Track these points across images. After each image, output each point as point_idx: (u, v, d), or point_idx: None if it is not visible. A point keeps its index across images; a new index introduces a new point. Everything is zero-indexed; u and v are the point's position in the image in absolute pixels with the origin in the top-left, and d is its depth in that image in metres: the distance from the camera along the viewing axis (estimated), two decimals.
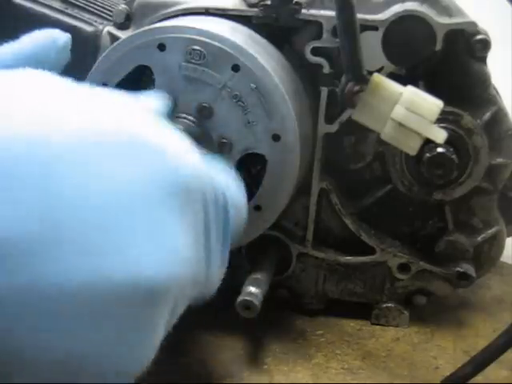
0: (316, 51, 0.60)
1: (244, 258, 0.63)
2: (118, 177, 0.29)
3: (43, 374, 0.27)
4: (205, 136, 0.53)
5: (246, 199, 0.42)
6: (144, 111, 0.35)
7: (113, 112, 0.32)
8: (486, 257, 0.65)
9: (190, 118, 0.53)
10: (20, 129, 0.28)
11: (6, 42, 0.45)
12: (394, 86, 0.51)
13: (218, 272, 0.39)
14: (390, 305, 0.65)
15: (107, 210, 0.28)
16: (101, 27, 0.65)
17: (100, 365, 0.29)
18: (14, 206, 0.26)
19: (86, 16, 0.68)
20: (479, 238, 0.65)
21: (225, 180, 0.39)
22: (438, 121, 0.53)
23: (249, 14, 0.59)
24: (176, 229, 0.32)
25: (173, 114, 0.52)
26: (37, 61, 0.46)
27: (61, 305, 0.27)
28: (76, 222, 0.27)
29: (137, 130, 0.32)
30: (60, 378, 0.28)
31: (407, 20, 0.59)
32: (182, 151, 0.34)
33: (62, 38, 0.50)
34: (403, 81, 0.51)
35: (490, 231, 0.65)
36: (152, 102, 0.46)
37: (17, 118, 0.28)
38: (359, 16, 0.51)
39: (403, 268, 0.64)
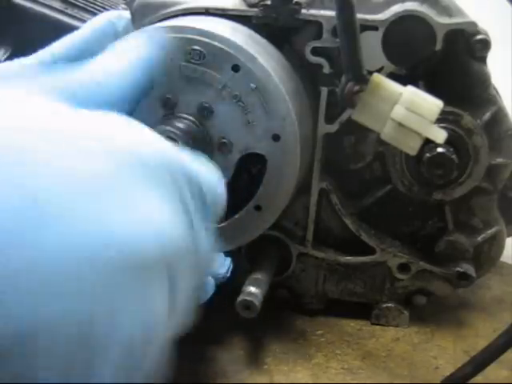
0: (316, 51, 0.60)
1: (244, 258, 0.63)
2: (77, 164, 0.31)
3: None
4: (205, 136, 0.53)
5: (224, 186, 0.42)
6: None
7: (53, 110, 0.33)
8: (485, 257, 0.65)
9: (190, 118, 0.53)
10: None
11: (6, 41, 0.46)
12: (393, 86, 0.51)
13: (208, 252, 0.39)
14: (390, 305, 0.65)
15: (75, 192, 0.30)
16: None
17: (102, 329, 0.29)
18: None
19: (86, 16, 0.68)
20: (479, 238, 0.65)
21: (198, 166, 0.40)
22: (438, 121, 0.53)
23: (249, 14, 0.59)
24: (148, 201, 0.33)
25: (173, 114, 0.53)
26: (97, 45, 0.50)
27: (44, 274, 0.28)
28: (48, 209, 0.28)
29: (85, 123, 0.33)
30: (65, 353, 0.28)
31: (407, 20, 0.59)
32: (149, 139, 0.35)
33: (122, 20, 0.54)
34: (403, 81, 0.51)
35: (490, 231, 0.65)
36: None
37: None
38: (359, 16, 0.51)
39: (403, 268, 0.64)
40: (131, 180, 0.33)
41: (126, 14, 0.59)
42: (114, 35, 0.56)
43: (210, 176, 0.41)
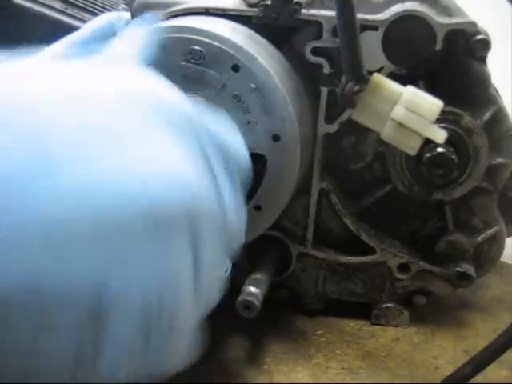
0: (316, 51, 0.60)
1: (244, 258, 0.63)
2: (93, 115, 0.31)
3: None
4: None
5: (246, 150, 0.42)
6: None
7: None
8: (486, 257, 0.65)
9: None
10: None
11: (6, 41, 0.46)
12: (393, 86, 0.51)
13: (235, 211, 0.38)
14: (390, 305, 0.65)
15: (89, 140, 0.29)
16: None
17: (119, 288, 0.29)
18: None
19: (86, 16, 0.68)
20: (479, 238, 0.65)
21: (221, 127, 0.40)
22: (438, 121, 0.53)
23: (249, 14, 0.59)
24: (171, 151, 0.32)
25: None
26: (97, 46, 0.50)
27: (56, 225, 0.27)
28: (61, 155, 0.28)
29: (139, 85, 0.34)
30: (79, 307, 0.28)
31: (407, 20, 0.59)
32: (173, 95, 0.35)
33: (122, 21, 0.54)
34: (403, 81, 0.51)
35: (490, 231, 0.65)
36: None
37: None
38: (359, 16, 0.51)
39: (403, 268, 0.64)
40: (151, 129, 0.32)
41: (126, 15, 0.59)
42: (112, 36, 0.56)
43: (234, 139, 0.40)
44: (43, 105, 0.29)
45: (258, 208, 0.55)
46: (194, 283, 0.33)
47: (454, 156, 0.60)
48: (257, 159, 0.54)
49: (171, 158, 0.32)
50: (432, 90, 0.53)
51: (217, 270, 0.36)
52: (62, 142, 0.28)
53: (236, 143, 0.41)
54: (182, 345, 0.33)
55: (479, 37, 0.59)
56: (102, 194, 0.28)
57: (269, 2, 0.58)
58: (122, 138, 0.30)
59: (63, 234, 0.27)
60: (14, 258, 0.26)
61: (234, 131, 0.42)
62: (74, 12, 0.70)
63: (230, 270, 0.54)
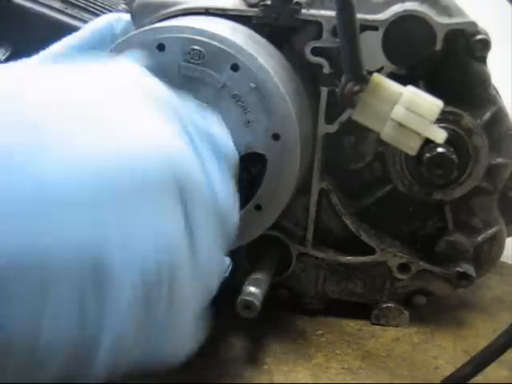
0: (316, 51, 0.60)
1: (244, 258, 0.63)
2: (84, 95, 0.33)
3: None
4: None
5: (237, 201, 0.42)
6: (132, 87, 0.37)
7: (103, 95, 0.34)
8: (485, 257, 0.65)
9: None
10: None
11: (6, 41, 0.46)
12: (393, 86, 0.51)
13: (226, 198, 0.40)
14: (390, 305, 0.65)
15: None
16: None
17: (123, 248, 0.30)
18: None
19: (86, 16, 0.69)
20: (479, 238, 0.65)
21: (204, 115, 0.41)
22: (438, 121, 0.53)
23: (249, 13, 0.59)
24: (154, 123, 0.35)
25: None
26: (96, 47, 0.54)
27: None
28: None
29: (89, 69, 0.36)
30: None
31: (407, 20, 0.59)
32: (171, 143, 0.35)
33: (121, 22, 0.55)
34: (403, 81, 0.51)
35: (490, 231, 0.65)
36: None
37: None
38: (359, 16, 0.51)
39: (403, 268, 0.64)
40: (135, 103, 0.34)
41: (126, 17, 0.59)
42: (112, 37, 0.56)
43: (219, 130, 0.41)
44: (37, 98, 0.31)
45: (258, 208, 0.55)
46: (190, 254, 0.34)
47: (453, 156, 0.60)
48: (257, 159, 0.54)
49: (158, 131, 0.34)
50: (432, 90, 0.53)
51: (213, 253, 0.36)
52: (56, 121, 0.30)
53: (222, 134, 0.42)
54: (184, 329, 0.34)
55: (479, 37, 0.59)
56: (96, 162, 0.30)
57: (269, 2, 0.58)
58: (112, 116, 0.32)
59: (63, 198, 0.28)
60: (14, 224, 0.27)
61: (220, 124, 0.43)
62: (74, 12, 0.70)
63: (229, 269, 0.55)
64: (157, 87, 0.37)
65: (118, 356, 0.31)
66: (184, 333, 0.34)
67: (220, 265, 0.39)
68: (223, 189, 0.39)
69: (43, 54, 0.56)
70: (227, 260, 0.55)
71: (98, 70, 0.36)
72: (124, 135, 0.31)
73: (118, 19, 0.59)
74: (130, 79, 0.36)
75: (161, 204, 0.32)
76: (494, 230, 0.65)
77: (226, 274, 0.54)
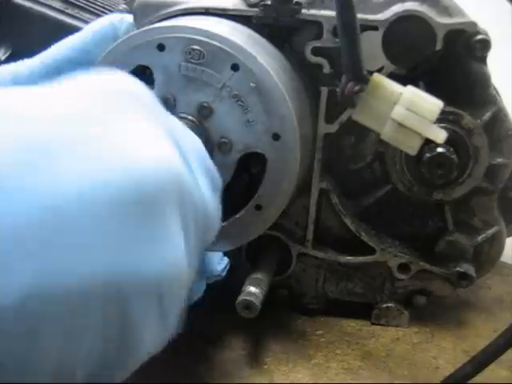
0: (316, 51, 0.60)
1: (244, 258, 0.63)
2: (77, 105, 0.32)
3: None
4: (205, 136, 0.53)
5: (220, 209, 0.42)
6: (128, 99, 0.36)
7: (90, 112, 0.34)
8: (485, 257, 0.65)
9: (189, 117, 0.53)
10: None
11: (6, 41, 0.46)
12: (393, 86, 0.51)
13: (210, 201, 0.39)
14: (390, 305, 0.65)
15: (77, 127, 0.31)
16: None
17: (125, 267, 0.29)
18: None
19: (86, 16, 0.68)
20: (479, 238, 0.65)
21: (202, 188, 0.40)
22: (438, 121, 0.53)
23: (249, 13, 0.59)
24: (152, 136, 0.34)
25: (173, 114, 0.53)
26: (94, 50, 0.55)
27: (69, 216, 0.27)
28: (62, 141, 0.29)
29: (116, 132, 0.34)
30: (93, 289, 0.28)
31: (407, 20, 0.59)
32: (161, 154, 0.34)
33: (124, 24, 0.55)
34: (403, 81, 0.51)
35: (490, 231, 0.65)
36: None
37: None
38: (359, 16, 0.51)
39: (403, 268, 0.64)
40: (131, 115, 0.33)
41: (129, 18, 0.59)
42: (114, 38, 0.56)
43: (203, 147, 0.42)
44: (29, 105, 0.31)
45: (258, 208, 0.55)
46: (187, 270, 0.34)
47: (454, 156, 0.60)
48: (257, 159, 0.54)
49: (155, 143, 0.33)
50: (432, 90, 0.53)
51: (195, 266, 0.36)
52: (49, 134, 0.29)
53: (207, 155, 0.42)
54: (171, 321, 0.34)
55: (479, 37, 0.59)
56: (97, 179, 0.29)
57: (269, 2, 0.58)
58: (108, 128, 0.31)
59: (62, 229, 0.27)
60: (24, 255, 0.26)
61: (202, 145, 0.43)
62: (75, 12, 0.70)
63: (227, 269, 0.55)
64: (150, 99, 0.37)
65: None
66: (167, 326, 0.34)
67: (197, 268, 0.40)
68: (212, 204, 0.40)
69: (45, 55, 0.56)
70: (225, 259, 0.55)
71: (88, 82, 0.35)
72: (125, 149, 0.31)
73: (120, 20, 0.59)
74: (122, 88, 0.36)
75: (165, 218, 0.31)
76: (493, 229, 0.65)
77: (223, 274, 0.54)
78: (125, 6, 0.63)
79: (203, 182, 0.39)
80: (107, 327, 0.28)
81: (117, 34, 0.57)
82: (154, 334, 0.31)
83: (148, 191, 0.30)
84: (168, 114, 0.39)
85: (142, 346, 0.31)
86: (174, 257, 0.32)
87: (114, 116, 0.32)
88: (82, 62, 0.56)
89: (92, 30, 0.57)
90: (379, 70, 0.58)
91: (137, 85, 0.37)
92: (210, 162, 0.41)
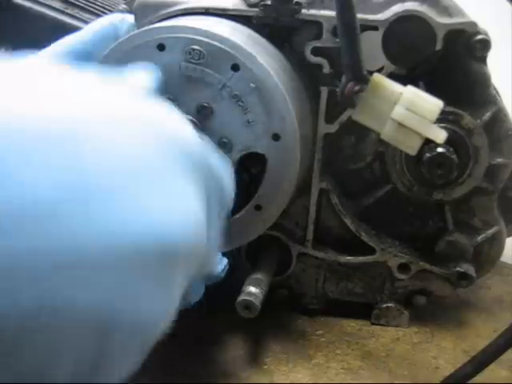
0: (316, 51, 0.60)
1: (244, 258, 0.63)
2: (130, 147, 0.31)
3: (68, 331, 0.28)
4: (204, 136, 0.53)
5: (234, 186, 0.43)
6: (136, 90, 0.36)
7: (110, 94, 0.33)
8: (485, 257, 0.65)
9: (189, 117, 0.53)
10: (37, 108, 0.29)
11: (6, 41, 0.46)
12: (393, 86, 0.51)
13: (215, 249, 0.39)
14: (390, 305, 0.65)
15: (126, 174, 0.30)
16: None
17: (125, 317, 0.29)
18: (45, 171, 0.27)
19: (86, 16, 0.68)
20: (479, 238, 0.65)
21: (223, 167, 0.40)
22: (438, 121, 0.53)
23: (249, 13, 0.59)
24: (186, 192, 0.33)
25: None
26: (94, 50, 0.54)
27: (87, 261, 0.27)
28: (99, 185, 0.28)
29: (138, 108, 0.33)
30: (87, 334, 0.28)
31: (407, 20, 0.59)
32: (182, 126, 0.35)
33: (125, 24, 0.55)
34: (403, 81, 0.51)
35: (490, 231, 0.65)
36: (141, 79, 0.47)
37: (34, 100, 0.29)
38: (359, 16, 0.51)
39: (403, 268, 0.64)
40: (176, 171, 0.33)
41: (130, 18, 0.59)
42: (115, 38, 0.56)
43: (229, 178, 0.41)
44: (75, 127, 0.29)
45: (258, 208, 0.55)
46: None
47: (454, 156, 0.60)
48: (257, 159, 0.54)
49: (187, 200, 0.33)
50: (432, 90, 0.53)
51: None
52: (99, 171, 0.28)
53: (229, 182, 0.42)
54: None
55: (479, 37, 0.59)
56: (128, 233, 0.29)
57: (269, 2, 0.58)
58: (150, 175, 0.31)
59: (88, 262, 0.28)
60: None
61: (228, 169, 0.43)
62: (75, 12, 0.70)
63: (226, 270, 0.55)
64: (186, 135, 0.35)
65: None
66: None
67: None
68: (214, 241, 0.40)
69: (43, 55, 0.56)
70: (224, 260, 0.55)
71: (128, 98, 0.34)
72: (158, 200, 0.30)
73: (121, 20, 0.59)
74: (163, 124, 0.34)
75: (174, 274, 0.32)
76: (493, 229, 0.65)
77: (222, 275, 0.54)
78: (125, 6, 0.63)
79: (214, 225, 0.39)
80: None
81: (118, 34, 0.57)
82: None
83: (171, 252, 0.31)
84: (206, 156, 0.37)
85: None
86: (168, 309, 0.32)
87: (160, 168, 0.32)
88: (81, 60, 0.56)
89: (92, 29, 0.57)
90: (379, 70, 0.58)
91: (181, 128, 0.36)
92: (228, 194, 0.42)
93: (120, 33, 0.58)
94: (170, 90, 0.53)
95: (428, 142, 0.53)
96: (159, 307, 0.31)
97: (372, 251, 0.64)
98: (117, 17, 0.59)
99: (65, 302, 0.27)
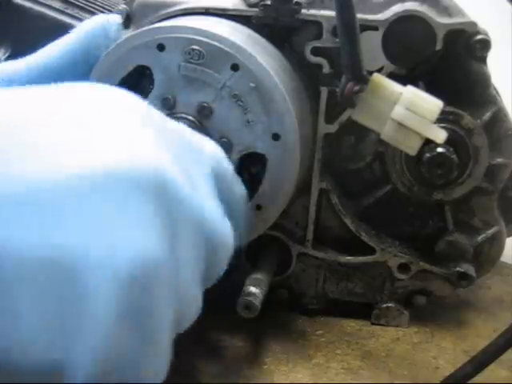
0: (316, 51, 0.60)
1: (244, 258, 0.63)
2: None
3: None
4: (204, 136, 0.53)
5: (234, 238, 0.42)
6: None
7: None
8: (485, 257, 0.65)
9: (189, 117, 0.53)
10: None
11: (6, 41, 0.46)
12: (393, 86, 0.51)
13: (193, 286, 0.38)
14: (390, 305, 0.65)
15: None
16: None
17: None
18: None
19: (86, 16, 0.68)
20: (479, 238, 0.65)
21: (207, 206, 0.40)
22: (438, 121, 0.53)
23: (249, 14, 0.59)
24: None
25: (173, 114, 0.53)
26: (87, 49, 0.55)
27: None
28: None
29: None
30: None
31: (407, 20, 0.59)
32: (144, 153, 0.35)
33: (113, 25, 0.55)
34: (403, 81, 0.51)
35: (490, 231, 0.65)
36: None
37: None
38: (359, 16, 0.51)
39: (403, 268, 0.64)
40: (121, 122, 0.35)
41: (116, 19, 0.59)
42: (104, 39, 0.56)
43: (222, 220, 0.41)
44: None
45: (258, 207, 0.55)
46: (169, 273, 0.34)
47: (454, 156, 0.60)
48: (257, 159, 0.54)
49: (139, 145, 0.34)
50: (432, 90, 0.53)
51: (193, 282, 0.37)
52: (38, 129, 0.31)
53: (222, 226, 0.41)
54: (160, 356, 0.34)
55: (479, 37, 0.59)
56: (67, 169, 0.30)
57: (269, 2, 0.58)
58: (94, 132, 0.33)
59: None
60: None
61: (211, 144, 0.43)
62: (74, 12, 0.70)
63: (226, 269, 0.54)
64: (148, 110, 0.38)
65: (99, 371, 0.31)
66: (158, 361, 0.34)
67: (196, 299, 0.39)
68: (214, 211, 0.40)
69: (33, 58, 0.56)
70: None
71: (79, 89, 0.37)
72: (105, 150, 0.32)
73: (107, 22, 0.59)
74: (116, 97, 0.37)
75: (140, 212, 0.32)
76: (493, 229, 0.65)
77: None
78: (125, 6, 0.63)
79: (209, 200, 0.38)
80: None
81: (107, 34, 0.57)
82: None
83: (120, 183, 0.31)
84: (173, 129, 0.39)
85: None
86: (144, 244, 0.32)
87: (103, 121, 0.33)
88: (71, 64, 0.56)
89: (78, 32, 0.57)
90: (379, 70, 0.58)
91: (132, 97, 0.38)
92: (228, 188, 0.41)
93: (109, 33, 0.57)
94: (170, 90, 0.53)
95: (428, 142, 0.53)
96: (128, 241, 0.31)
97: (372, 251, 0.64)
98: (101, 18, 0.59)
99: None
